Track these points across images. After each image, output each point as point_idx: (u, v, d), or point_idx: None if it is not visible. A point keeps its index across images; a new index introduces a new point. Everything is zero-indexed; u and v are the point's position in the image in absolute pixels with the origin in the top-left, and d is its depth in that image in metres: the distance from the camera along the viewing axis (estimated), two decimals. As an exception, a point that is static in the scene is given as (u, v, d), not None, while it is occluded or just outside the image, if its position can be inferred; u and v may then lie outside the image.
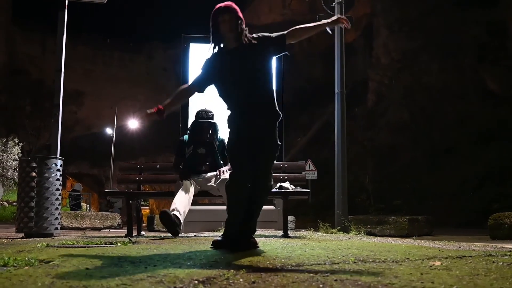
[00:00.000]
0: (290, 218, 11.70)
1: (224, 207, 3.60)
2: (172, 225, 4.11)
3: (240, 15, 3.26)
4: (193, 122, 4.85)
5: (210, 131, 4.68)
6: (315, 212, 18.38)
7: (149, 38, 46.40)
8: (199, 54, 6.91)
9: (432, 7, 24.21)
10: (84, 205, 20.57)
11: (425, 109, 21.81)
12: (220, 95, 3.32)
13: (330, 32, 3.31)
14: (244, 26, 3.27)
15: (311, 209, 19.08)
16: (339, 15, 3.34)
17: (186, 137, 4.99)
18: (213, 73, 3.27)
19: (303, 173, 5.14)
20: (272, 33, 3.39)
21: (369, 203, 17.43)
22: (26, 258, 2.36)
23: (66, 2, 5.78)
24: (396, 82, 25.70)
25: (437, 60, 23.42)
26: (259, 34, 3.35)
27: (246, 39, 3.26)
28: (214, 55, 3.28)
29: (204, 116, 4.76)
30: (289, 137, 26.04)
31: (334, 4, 7.35)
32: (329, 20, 3.29)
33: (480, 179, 16.14)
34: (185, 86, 3.41)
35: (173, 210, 4.28)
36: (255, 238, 3.30)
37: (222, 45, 3.27)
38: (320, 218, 15.51)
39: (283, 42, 3.29)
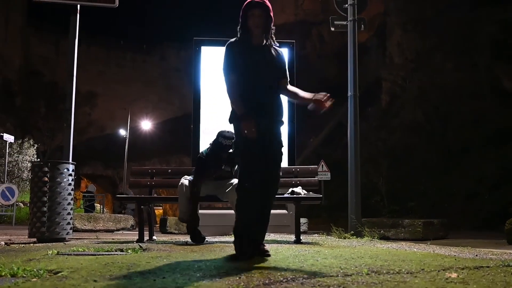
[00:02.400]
0: (303, 220, 11.62)
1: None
2: (201, 240, 4.57)
3: (271, 13, 3.28)
4: (218, 144, 4.60)
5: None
6: (328, 214, 18.27)
7: (162, 39, 46.62)
8: (211, 57, 6.90)
9: (446, 5, 23.89)
10: (98, 206, 20.70)
11: (439, 109, 21.52)
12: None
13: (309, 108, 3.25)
14: (272, 25, 3.30)
15: (324, 210, 18.97)
16: (321, 97, 3.14)
17: (205, 151, 4.80)
18: (237, 60, 3.25)
19: (316, 178, 5.07)
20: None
21: (382, 204, 17.23)
22: (35, 269, 2.34)
23: (78, 6, 5.80)
24: (410, 82, 25.44)
25: (451, 59, 23.11)
26: (280, 48, 3.40)
27: (271, 40, 3.31)
28: (238, 46, 3.29)
29: (228, 142, 4.52)
30: (301, 137, 25.94)
31: (346, 5, 7.26)
32: (312, 97, 3.17)
33: (497, 180, 15.85)
34: (234, 84, 3.20)
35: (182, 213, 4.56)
36: (266, 245, 3.25)
37: (247, 39, 3.29)
38: (333, 219, 15.43)
39: (280, 79, 3.31)
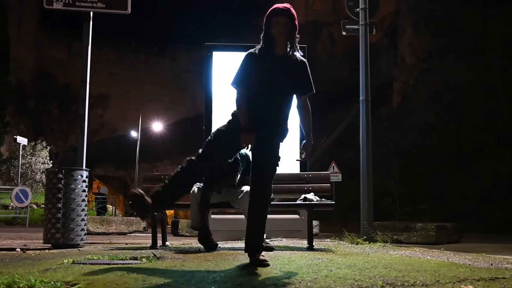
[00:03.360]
0: (314, 222, 11.57)
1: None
2: (214, 247, 4.49)
3: (296, 21, 3.20)
4: None
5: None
6: (340, 216, 18.23)
7: (173, 41, 46.73)
8: (222, 62, 6.92)
9: (458, 5, 23.71)
10: (110, 208, 20.88)
11: (452, 109, 21.36)
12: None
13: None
14: (296, 33, 3.22)
15: (336, 212, 18.90)
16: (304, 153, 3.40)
17: None
18: (253, 71, 3.22)
19: (328, 184, 5.07)
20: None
21: (394, 206, 17.12)
22: (52, 281, 2.37)
23: (91, 13, 5.85)
24: (422, 82, 25.26)
25: (464, 59, 22.92)
26: (305, 60, 3.33)
27: (295, 49, 3.25)
28: (258, 56, 3.23)
29: None
30: (312, 138, 25.83)
31: (358, 10, 7.23)
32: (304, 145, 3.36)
33: (510, 182, 15.69)
34: (243, 97, 3.24)
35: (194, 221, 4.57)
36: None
37: (269, 48, 3.22)
38: (345, 221, 15.36)
39: (303, 92, 3.33)
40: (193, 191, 4.60)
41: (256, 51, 3.26)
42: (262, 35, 3.24)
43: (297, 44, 3.26)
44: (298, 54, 3.32)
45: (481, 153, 18.28)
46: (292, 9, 3.20)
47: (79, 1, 5.73)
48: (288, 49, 3.23)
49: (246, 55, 3.26)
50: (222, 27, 41.85)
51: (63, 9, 5.81)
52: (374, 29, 7.18)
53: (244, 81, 3.22)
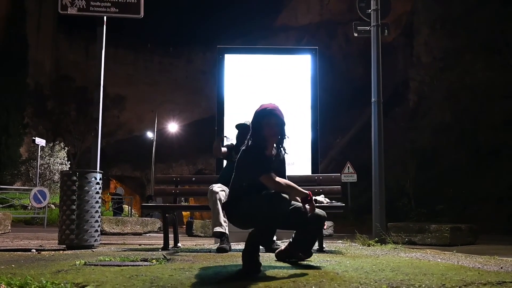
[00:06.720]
0: (329, 223, 11.57)
1: None
2: (226, 251, 4.44)
3: (284, 119, 3.24)
4: (238, 134, 4.87)
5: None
6: (355, 216, 18.14)
7: (188, 42, 46.98)
8: (234, 64, 6.95)
9: (476, 4, 23.38)
10: (126, 207, 21.11)
11: (469, 109, 21.07)
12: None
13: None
14: (285, 129, 3.28)
15: (351, 212, 18.81)
16: (312, 198, 3.22)
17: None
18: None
19: (339, 186, 5.07)
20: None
21: (410, 207, 16.98)
22: (62, 283, 2.44)
23: (105, 18, 5.95)
24: (438, 82, 24.97)
25: (481, 58, 22.55)
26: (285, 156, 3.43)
27: (282, 151, 3.36)
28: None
29: (246, 126, 4.66)
30: (327, 137, 25.80)
31: (369, 11, 7.21)
32: (300, 197, 3.22)
33: (529, 183, 15.43)
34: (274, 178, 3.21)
35: (218, 226, 4.53)
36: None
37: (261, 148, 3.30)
38: (360, 222, 15.27)
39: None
40: (212, 190, 4.56)
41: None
42: (250, 135, 3.23)
43: (284, 146, 3.35)
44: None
45: (498, 154, 17.99)
46: (279, 108, 3.25)
47: (92, 6, 5.84)
48: (276, 149, 3.31)
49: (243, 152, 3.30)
50: (236, 27, 41.98)
51: (77, 14, 5.92)
52: (386, 30, 7.14)
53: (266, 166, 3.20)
